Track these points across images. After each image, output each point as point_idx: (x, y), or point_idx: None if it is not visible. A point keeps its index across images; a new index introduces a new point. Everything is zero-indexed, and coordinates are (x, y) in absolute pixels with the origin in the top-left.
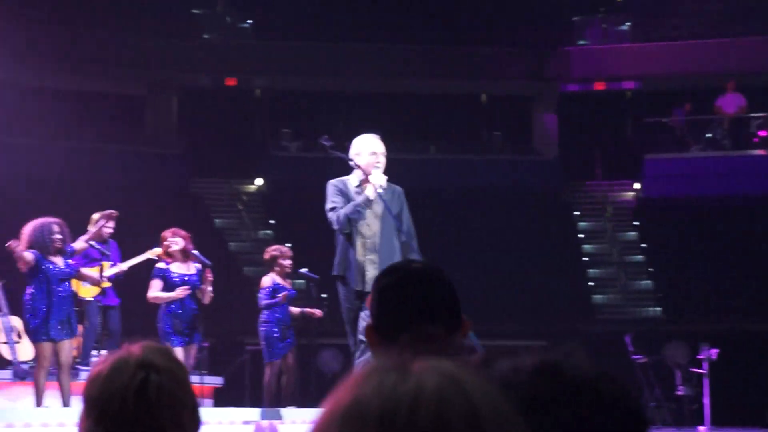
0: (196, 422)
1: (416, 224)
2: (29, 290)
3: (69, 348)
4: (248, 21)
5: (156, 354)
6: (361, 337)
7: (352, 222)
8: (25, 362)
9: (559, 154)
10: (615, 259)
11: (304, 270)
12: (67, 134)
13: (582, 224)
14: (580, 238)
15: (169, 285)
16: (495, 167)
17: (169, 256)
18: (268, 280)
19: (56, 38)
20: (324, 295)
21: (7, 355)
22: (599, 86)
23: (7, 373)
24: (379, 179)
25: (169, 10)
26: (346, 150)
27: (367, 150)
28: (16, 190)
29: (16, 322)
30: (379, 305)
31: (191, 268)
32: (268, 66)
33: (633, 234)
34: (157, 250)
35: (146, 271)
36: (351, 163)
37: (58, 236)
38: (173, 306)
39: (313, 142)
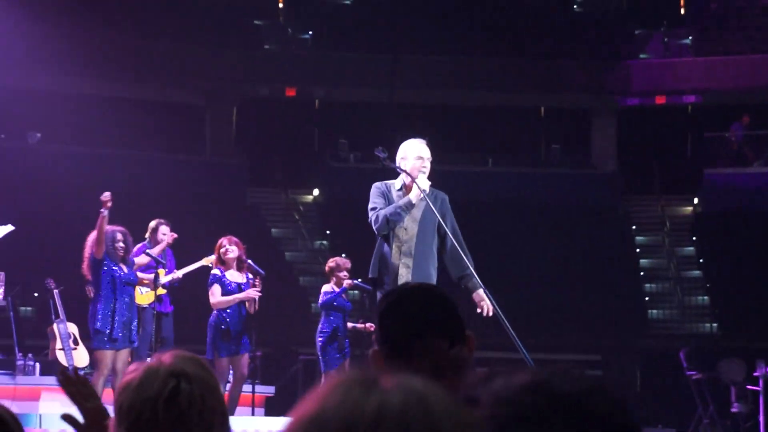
0: (226, 431)
1: (473, 237)
2: (94, 296)
3: (126, 356)
4: (308, 32)
5: (187, 363)
6: None
7: (390, 224)
8: (81, 368)
9: (617, 168)
10: (672, 274)
11: (358, 281)
12: (128, 143)
13: (639, 238)
14: (637, 252)
15: (223, 292)
16: (553, 180)
17: (223, 263)
18: (328, 287)
19: (118, 48)
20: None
21: (64, 361)
22: (660, 100)
23: None
24: (423, 183)
25: (231, 21)
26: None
27: (414, 154)
28: (78, 198)
29: (73, 328)
30: (381, 329)
31: (244, 277)
32: (326, 77)
33: (690, 249)
34: (212, 258)
35: (200, 278)
36: (397, 168)
37: (121, 245)
38: (226, 313)
39: (370, 153)
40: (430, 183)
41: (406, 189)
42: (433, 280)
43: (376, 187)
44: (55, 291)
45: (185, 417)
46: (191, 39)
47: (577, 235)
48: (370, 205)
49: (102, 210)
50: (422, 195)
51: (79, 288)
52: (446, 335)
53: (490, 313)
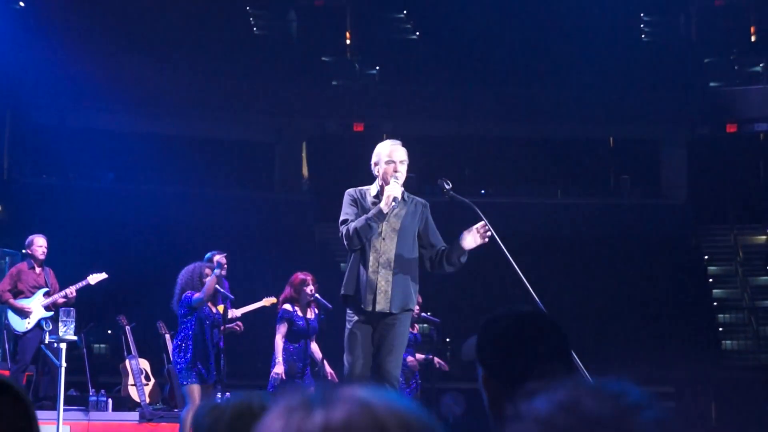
0: None
1: (543, 269)
2: (182, 332)
3: (214, 391)
4: (376, 67)
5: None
6: (393, 372)
7: (362, 238)
8: (152, 404)
9: (688, 198)
10: (745, 304)
11: (426, 314)
12: (198, 181)
13: (712, 268)
14: (710, 282)
15: (294, 329)
16: (623, 211)
17: (295, 300)
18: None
19: (187, 87)
20: (447, 339)
21: (136, 397)
22: (731, 128)
23: (134, 415)
24: (394, 190)
25: (300, 58)
26: (466, 193)
27: (385, 158)
28: (149, 236)
29: (145, 364)
30: (496, 353)
31: (312, 313)
32: (394, 111)
33: (764, 278)
34: (272, 299)
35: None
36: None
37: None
38: (293, 347)
39: (435, 185)
40: (403, 189)
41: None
42: (414, 294)
43: (348, 195)
44: (127, 327)
45: None
46: (260, 76)
47: (648, 266)
48: (341, 217)
49: (216, 270)
50: (393, 204)
51: (150, 324)
52: (563, 359)
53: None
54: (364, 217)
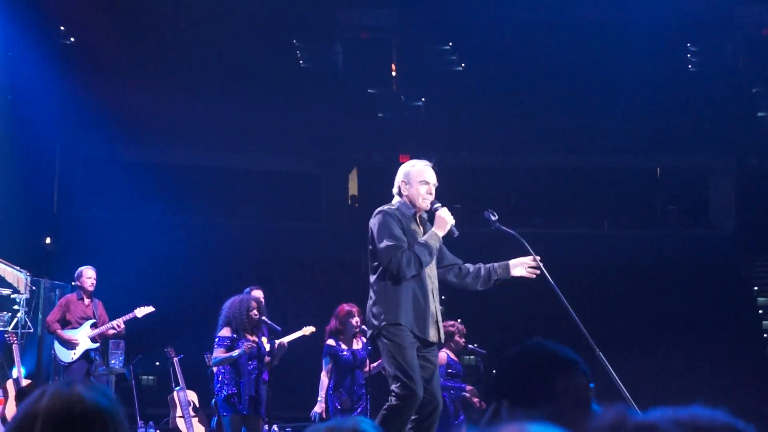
0: None
1: (590, 301)
2: (222, 366)
3: (257, 424)
4: (421, 99)
5: None
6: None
7: (423, 266)
8: None
9: (737, 228)
10: None
11: (473, 345)
12: (245, 212)
13: (761, 299)
14: (760, 313)
15: (340, 362)
16: (670, 241)
17: (339, 333)
18: (443, 356)
19: (235, 118)
20: (493, 371)
21: (184, 429)
22: None
23: None
24: (449, 216)
25: (346, 90)
26: (512, 225)
27: (418, 178)
28: (192, 267)
29: (192, 396)
30: (514, 380)
31: (359, 342)
32: (440, 143)
33: None
34: (311, 329)
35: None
36: (394, 190)
37: (255, 313)
38: (344, 382)
39: (481, 217)
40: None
41: (436, 221)
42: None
43: (391, 216)
44: (175, 359)
45: None
46: (306, 109)
47: (696, 296)
48: (387, 241)
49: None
50: (455, 234)
51: (198, 356)
52: (583, 371)
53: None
54: (425, 244)
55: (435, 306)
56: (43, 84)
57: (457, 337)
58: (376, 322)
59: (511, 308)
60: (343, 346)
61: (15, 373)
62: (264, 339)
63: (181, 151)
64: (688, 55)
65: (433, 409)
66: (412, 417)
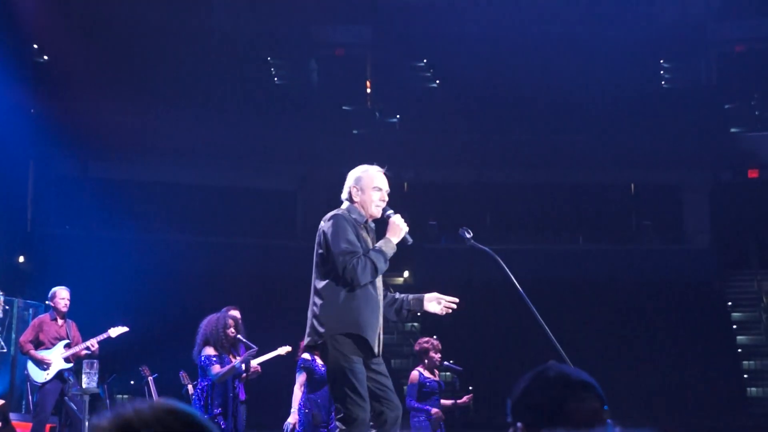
0: None
1: (565, 316)
2: (201, 383)
3: None
4: (396, 116)
5: None
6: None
7: (378, 274)
8: None
9: (711, 244)
10: None
11: (449, 362)
12: (219, 229)
13: (736, 314)
14: (734, 329)
15: (315, 377)
16: (645, 257)
17: (315, 348)
18: (415, 375)
19: (209, 135)
20: (470, 387)
21: None
22: (752, 174)
23: None
24: (403, 224)
25: (320, 107)
26: (486, 242)
27: (370, 184)
28: (168, 285)
29: None
30: (527, 404)
31: None
32: (415, 159)
33: None
34: (287, 348)
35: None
36: (343, 196)
37: (232, 331)
38: (315, 396)
39: (456, 234)
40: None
41: (390, 228)
42: None
43: (346, 220)
44: (150, 378)
45: None
46: (281, 125)
47: (671, 311)
48: (342, 245)
49: (243, 368)
50: (409, 241)
51: (173, 374)
52: (596, 395)
53: (453, 306)
54: (380, 250)
55: (379, 318)
56: (15, 101)
57: (432, 353)
58: (323, 330)
59: (487, 324)
60: (319, 362)
61: None
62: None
63: (154, 169)
64: (662, 72)
65: (393, 421)
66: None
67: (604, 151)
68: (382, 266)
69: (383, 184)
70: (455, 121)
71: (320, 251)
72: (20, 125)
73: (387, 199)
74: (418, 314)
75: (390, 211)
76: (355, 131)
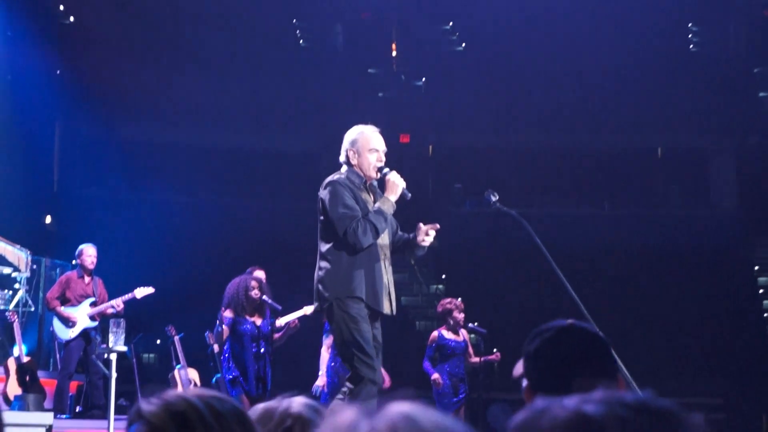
0: None
1: (591, 280)
2: (227, 345)
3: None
4: (422, 79)
5: (305, 407)
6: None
7: (379, 234)
8: None
9: (738, 208)
10: None
11: (473, 324)
12: (244, 191)
13: (762, 279)
14: (760, 293)
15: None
16: (671, 222)
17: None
18: (434, 335)
19: (235, 98)
20: (494, 350)
21: None
22: None
23: None
24: (400, 180)
25: (346, 70)
26: (513, 205)
27: (367, 145)
28: (201, 246)
29: (193, 374)
30: (537, 364)
31: None
32: (440, 122)
33: None
34: (311, 308)
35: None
36: (341, 159)
37: (256, 293)
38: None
39: (482, 197)
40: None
41: (387, 186)
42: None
43: (342, 185)
44: (176, 338)
45: None
46: (307, 89)
47: (697, 276)
48: (340, 210)
49: (269, 329)
50: (408, 196)
51: (199, 335)
52: (603, 375)
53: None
54: (378, 210)
55: (387, 277)
56: (42, 63)
57: (455, 313)
58: (327, 294)
59: (511, 288)
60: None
61: (16, 351)
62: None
63: (180, 130)
64: (690, 35)
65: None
66: (345, 388)
67: (631, 115)
68: (383, 226)
69: (380, 144)
70: (480, 84)
71: (321, 218)
72: (46, 86)
73: (384, 159)
74: (443, 276)
75: (386, 169)
76: (380, 94)
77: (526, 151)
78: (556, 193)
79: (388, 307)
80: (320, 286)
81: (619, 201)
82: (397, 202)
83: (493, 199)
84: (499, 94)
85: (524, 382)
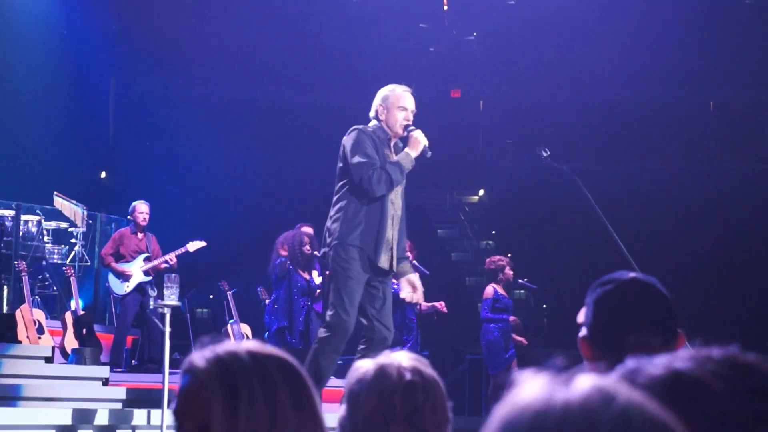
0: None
1: (642, 236)
2: (273, 297)
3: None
4: (473, 33)
5: (417, 362)
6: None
7: (393, 186)
8: None
9: None
10: None
11: (523, 280)
12: (295, 147)
13: None
14: None
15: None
16: (723, 177)
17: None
18: (490, 290)
19: (286, 54)
20: (544, 306)
21: None
22: None
23: None
24: (424, 139)
25: (396, 25)
26: (562, 161)
27: (396, 103)
28: (253, 201)
29: (246, 329)
30: (595, 315)
31: None
32: (491, 78)
33: None
34: None
35: None
36: (371, 114)
37: (308, 248)
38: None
39: (533, 153)
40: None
41: (410, 142)
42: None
43: (365, 134)
44: (229, 293)
45: (420, 412)
46: (356, 44)
47: (749, 232)
48: (359, 157)
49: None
50: (429, 154)
51: (252, 289)
52: (660, 332)
53: (422, 302)
54: (397, 163)
55: (392, 233)
56: (97, 18)
57: (507, 270)
58: (329, 239)
59: (560, 243)
60: (395, 282)
61: (73, 304)
62: (315, 273)
63: (234, 86)
64: None
65: (381, 341)
66: (361, 346)
67: (683, 70)
68: (398, 178)
69: (409, 104)
70: (533, 39)
71: (340, 164)
72: (101, 42)
73: (411, 119)
74: (492, 232)
75: (411, 127)
76: (431, 49)
77: (578, 106)
78: (607, 149)
79: (386, 261)
80: (326, 233)
81: (671, 156)
82: (418, 159)
83: (545, 154)
84: (551, 49)
85: (582, 331)
